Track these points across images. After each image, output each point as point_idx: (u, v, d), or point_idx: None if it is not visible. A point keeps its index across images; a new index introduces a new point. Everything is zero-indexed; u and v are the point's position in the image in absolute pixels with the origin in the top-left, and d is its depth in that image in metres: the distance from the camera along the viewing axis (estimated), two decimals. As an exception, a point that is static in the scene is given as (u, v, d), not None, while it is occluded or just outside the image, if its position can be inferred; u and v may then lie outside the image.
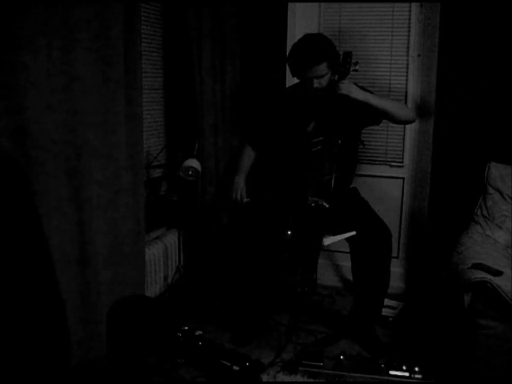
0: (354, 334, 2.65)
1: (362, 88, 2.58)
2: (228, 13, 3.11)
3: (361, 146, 2.80)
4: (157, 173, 3.11)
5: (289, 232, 2.45)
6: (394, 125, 3.18)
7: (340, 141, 2.52)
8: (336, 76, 2.56)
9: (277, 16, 3.27)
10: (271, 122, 2.78)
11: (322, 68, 2.47)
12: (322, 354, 2.38)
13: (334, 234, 2.55)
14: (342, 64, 2.49)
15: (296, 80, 2.70)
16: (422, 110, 3.14)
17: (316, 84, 2.51)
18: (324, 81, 2.52)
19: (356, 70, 2.53)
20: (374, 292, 2.60)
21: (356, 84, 2.55)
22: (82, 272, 2.11)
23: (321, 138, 2.50)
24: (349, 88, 2.46)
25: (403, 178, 3.29)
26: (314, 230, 2.51)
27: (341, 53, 2.54)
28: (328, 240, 2.57)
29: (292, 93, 2.77)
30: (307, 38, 2.55)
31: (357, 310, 2.67)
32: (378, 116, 2.58)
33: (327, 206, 2.45)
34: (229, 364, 2.28)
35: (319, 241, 2.52)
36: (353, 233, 2.53)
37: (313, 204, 2.46)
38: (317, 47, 2.47)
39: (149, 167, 2.94)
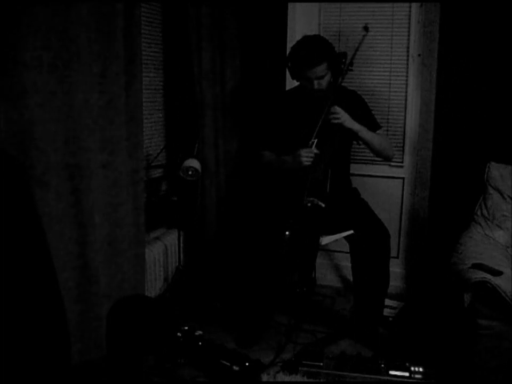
0: (357, 333, 2.65)
1: (361, 106, 2.66)
2: (227, 13, 3.11)
3: (358, 146, 2.81)
4: (157, 173, 3.11)
5: (287, 233, 2.45)
6: (394, 125, 3.21)
7: (337, 143, 2.55)
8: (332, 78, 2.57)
9: (277, 16, 3.27)
10: (275, 124, 2.76)
11: (323, 68, 2.48)
12: (322, 354, 2.38)
13: (332, 234, 2.55)
14: (337, 64, 2.50)
15: (296, 83, 2.70)
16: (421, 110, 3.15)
17: (316, 85, 2.51)
18: (324, 82, 2.53)
19: (351, 70, 2.53)
20: (374, 291, 2.61)
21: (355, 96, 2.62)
22: (82, 272, 2.11)
23: (316, 139, 2.50)
24: (343, 117, 2.48)
25: (403, 178, 3.29)
26: (312, 229, 2.51)
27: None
28: (325, 240, 2.58)
29: (292, 95, 2.77)
30: (306, 39, 2.56)
31: (359, 309, 2.67)
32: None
33: (323, 205, 2.46)
34: (229, 364, 2.27)
35: (316, 241, 2.53)
36: (351, 232, 2.53)
37: (309, 204, 2.46)
38: (317, 47, 2.49)
39: (149, 167, 2.95)
